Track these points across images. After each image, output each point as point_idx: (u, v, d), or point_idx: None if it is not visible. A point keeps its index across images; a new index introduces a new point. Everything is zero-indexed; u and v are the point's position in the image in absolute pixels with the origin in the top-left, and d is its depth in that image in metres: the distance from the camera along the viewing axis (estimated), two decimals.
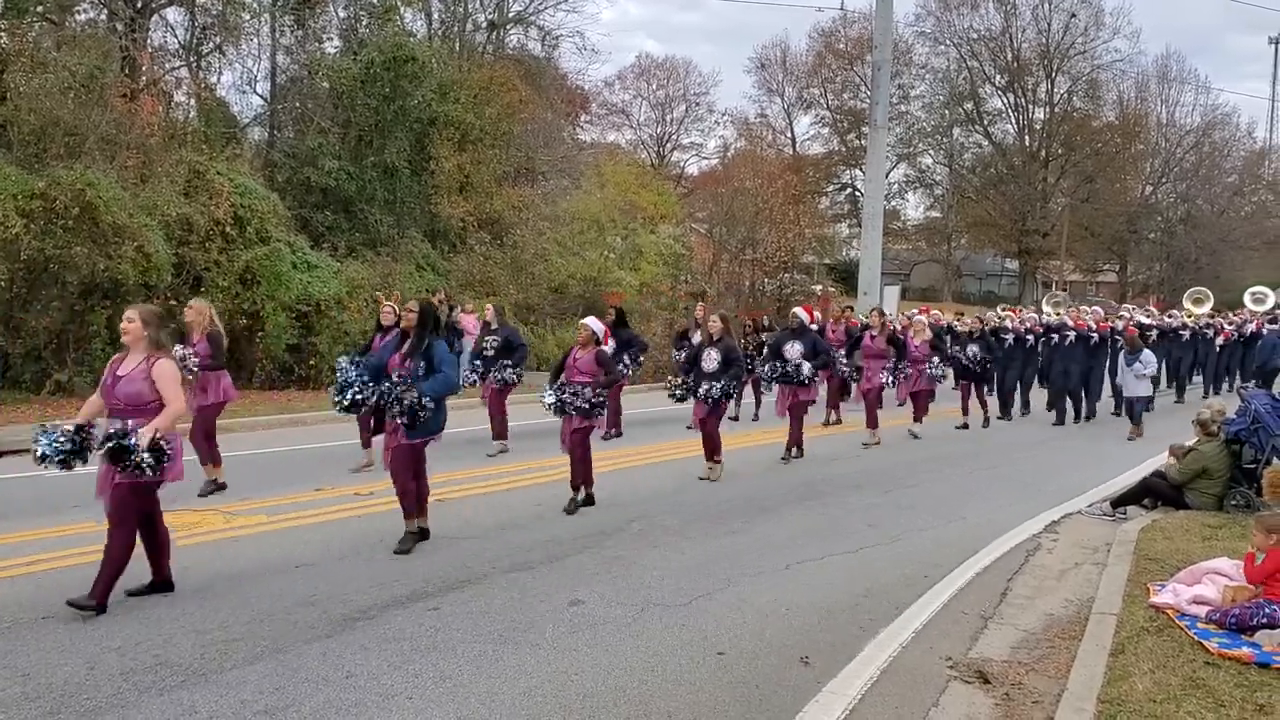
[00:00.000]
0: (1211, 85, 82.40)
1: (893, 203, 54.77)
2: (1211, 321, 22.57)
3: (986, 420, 16.23)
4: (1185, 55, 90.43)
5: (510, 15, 31.80)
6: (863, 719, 4.93)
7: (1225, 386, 22.42)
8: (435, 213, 23.88)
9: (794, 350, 12.15)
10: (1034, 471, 12.37)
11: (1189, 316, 22.35)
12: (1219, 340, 22.14)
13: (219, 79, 25.67)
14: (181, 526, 8.26)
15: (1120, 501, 9.81)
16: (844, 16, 51.30)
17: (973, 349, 15.98)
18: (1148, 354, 15.17)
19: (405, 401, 7.31)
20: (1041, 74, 53.67)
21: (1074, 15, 51.55)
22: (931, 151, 58.36)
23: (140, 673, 5.14)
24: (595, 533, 8.39)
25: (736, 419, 15.48)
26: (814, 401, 12.67)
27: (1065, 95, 54.26)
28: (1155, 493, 9.84)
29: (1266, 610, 5.75)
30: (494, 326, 12.76)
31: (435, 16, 29.31)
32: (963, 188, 56.92)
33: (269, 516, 8.61)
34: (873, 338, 14.28)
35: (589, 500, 9.34)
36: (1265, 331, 21.23)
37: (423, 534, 7.79)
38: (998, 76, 54.87)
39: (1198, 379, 22.33)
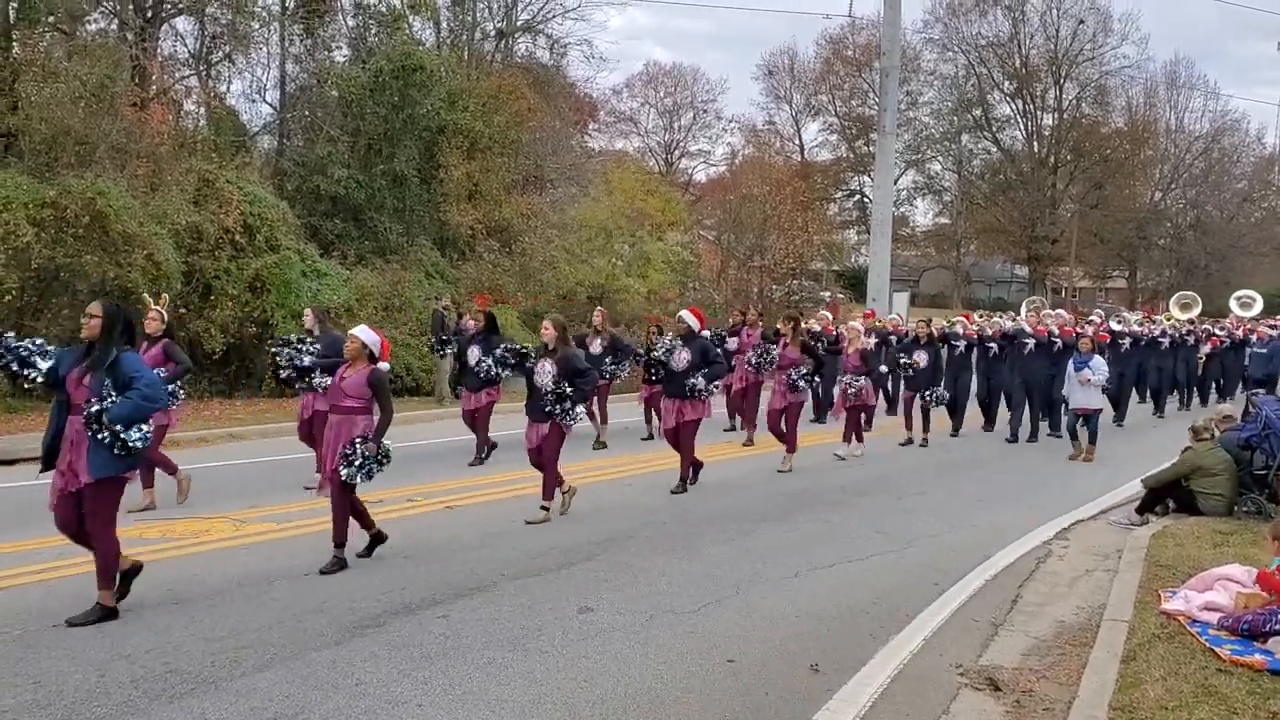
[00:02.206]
0: (1220, 91, 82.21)
1: (901, 209, 54.69)
2: (1193, 328, 21.27)
3: (915, 439, 14.56)
4: (1194, 61, 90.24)
5: (519, 24, 31.86)
6: None
7: (1214, 397, 21.25)
8: (444, 220, 23.93)
9: (681, 359, 10.40)
10: (1041, 477, 12.34)
11: (1167, 320, 21.09)
12: (1205, 348, 20.91)
13: (228, 88, 25.75)
14: (190, 534, 8.30)
15: (1144, 507, 9.78)
16: (852, 23, 51.16)
17: (920, 355, 14.45)
18: (1098, 360, 13.63)
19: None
20: (1050, 80, 53.60)
21: (1082, 21, 51.49)
22: (940, 158, 58.25)
23: (150, 680, 5.15)
24: (604, 540, 8.38)
25: (650, 437, 13.98)
26: (701, 420, 10.58)
27: (1074, 101, 54.17)
28: (1169, 494, 9.81)
29: (1279, 616, 5.72)
30: (315, 333, 10.37)
31: (444, 25, 29.36)
32: (971, 194, 56.83)
33: (278, 524, 8.62)
34: (785, 346, 12.42)
35: (339, 564, 7.29)
36: (1270, 337, 20.22)
37: (107, 613, 6.04)
38: (1006, 83, 54.81)
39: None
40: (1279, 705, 4.84)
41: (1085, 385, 13.38)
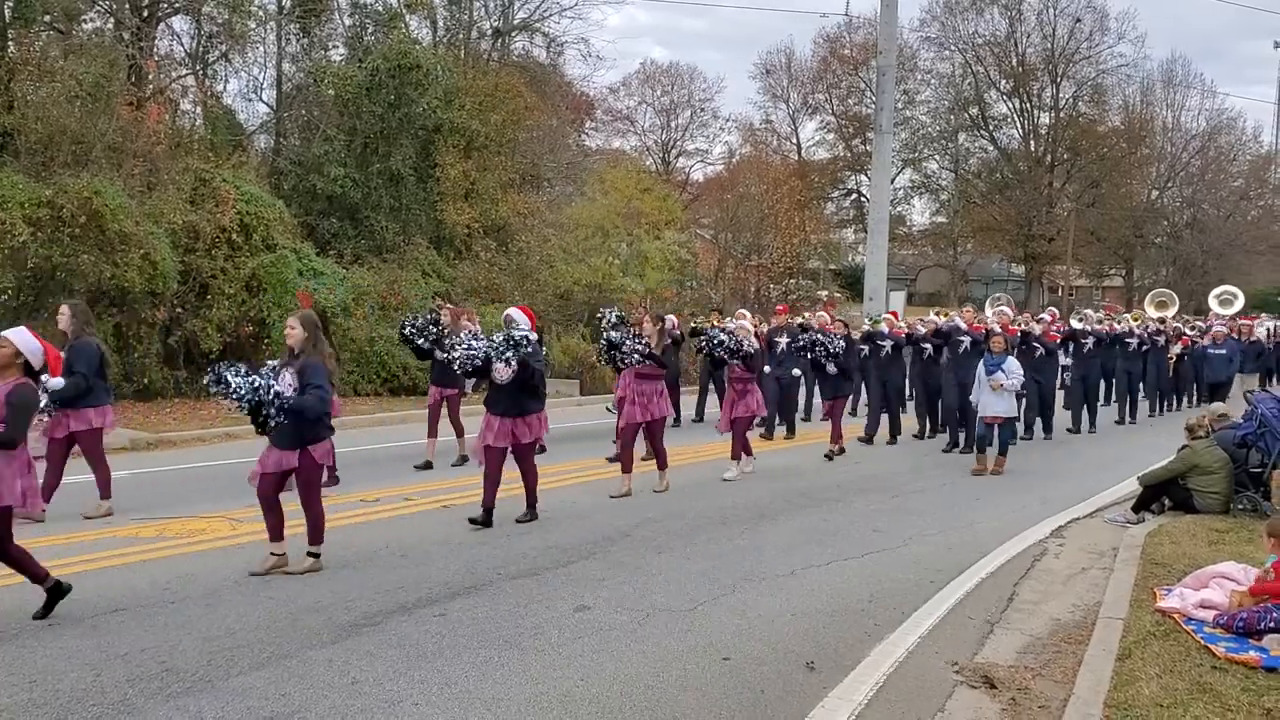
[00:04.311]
0: (1217, 90, 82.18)
1: (898, 208, 54.62)
2: (1162, 327, 19.96)
3: (840, 449, 13.29)
4: (1191, 60, 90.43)
5: (515, 22, 31.82)
6: None
7: (1187, 402, 20.13)
8: (441, 219, 23.91)
9: (503, 372, 8.56)
10: (1039, 476, 12.34)
11: (1134, 319, 19.73)
12: (1176, 348, 19.49)
13: (225, 87, 25.77)
14: (187, 533, 8.30)
15: (1140, 505, 9.78)
16: (849, 22, 51.26)
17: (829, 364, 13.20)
18: (1012, 363, 12.30)
19: None
20: (1046, 79, 53.53)
21: (1079, 20, 51.43)
22: (937, 157, 58.16)
23: (146, 679, 5.15)
24: (600, 539, 8.39)
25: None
26: (537, 441, 9.11)
27: (1070, 100, 54.11)
28: (1165, 492, 9.81)
29: (1274, 614, 5.73)
30: (68, 336, 8.87)
31: (440, 24, 29.33)
32: (968, 193, 56.77)
33: None
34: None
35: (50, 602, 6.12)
36: (1226, 337, 18.60)
37: None
38: (1003, 82, 54.71)
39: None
40: (1273, 702, 4.86)
41: (998, 391, 12.05)
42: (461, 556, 7.70)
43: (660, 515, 9.35)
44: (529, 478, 9.03)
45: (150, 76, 20.68)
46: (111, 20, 21.48)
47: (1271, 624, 5.68)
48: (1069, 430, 16.28)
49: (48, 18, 19.80)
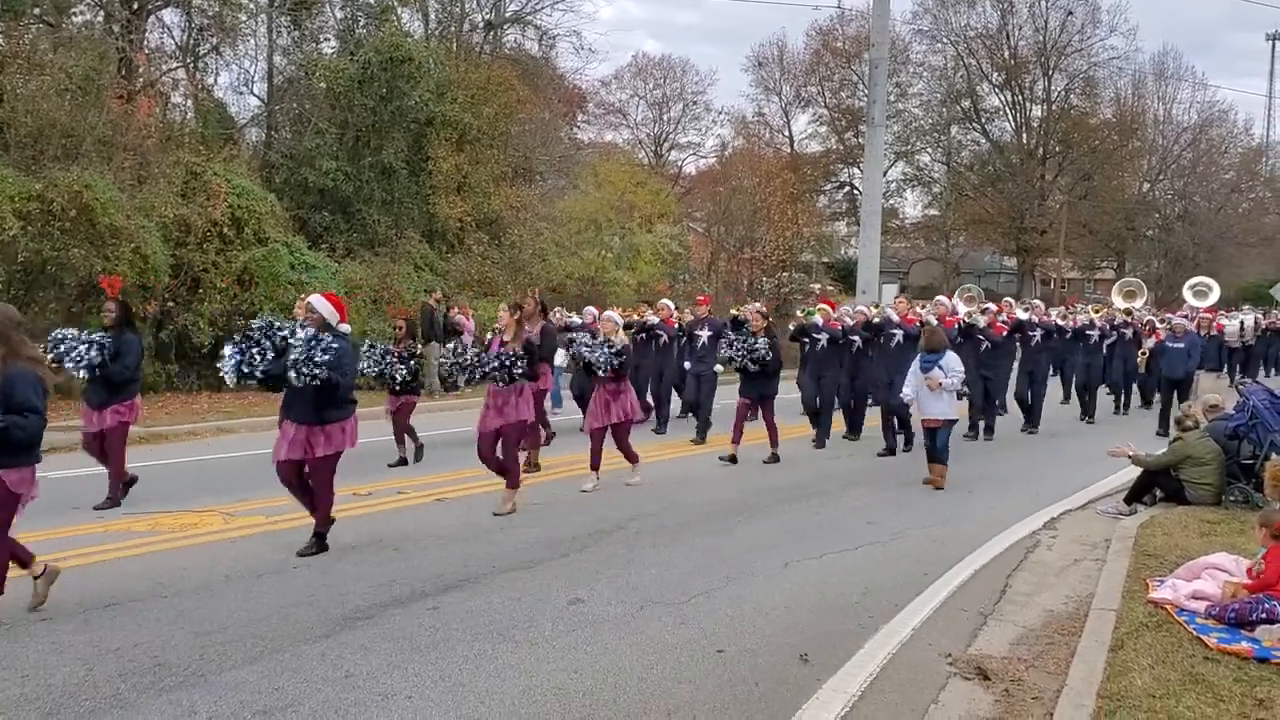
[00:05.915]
0: (1208, 82, 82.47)
1: (891, 201, 54.58)
2: (1129, 319, 18.89)
3: (774, 456, 12.20)
4: (1182, 52, 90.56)
5: (507, 15, 31.75)
6: (862, 716, 4.93)
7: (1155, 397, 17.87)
8: (433, 213, 23.87)
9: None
10: (1030, 469, 12.37)
11: (1095, 311, 18.67)
12: (1150, 342, 17.93)
13: (216, 80, 25.73)
14: (180, 527, 8.28)
15: (1132, 497, 9.80)
16: (841, 14, 51.18)
17: (762, 348, 11.99)
18: (952, 358, 10.95)
19: None
20: (1038, 71, 53.58)
21: (1071, 13, 51.46)
22: (929, 149, 58.14)
23: (139, 674, 5.13)
24: (594, 532, 8.38)
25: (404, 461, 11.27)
26: (338, 454, 7.65)
27: (1062, 93, 54.18)
28: (1157, 483, 9.84)
29: (1266, 605, 5.76)
30: None
31: (432, 17, 29.25)
32: (961, 185, 56.80)
33: (267, 517, 8.61)
34: (503, 343, 9.28)
35: None
36: (1186, 330, 16.78)
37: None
38: (995, 74, 54.74)
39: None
40: (1265, 692, 4.88)
41: (936, 391, 10.78)
42: (454, 550, 7.70)
43: (653, 509, 9.35)
44: (322, 496, 7.64)
45: (140, 70, 20.62)
46: (101, 13, 21.39)
47: (1263, 615, 5.71)
48: (1023, 429, 15.59)
49: (37, 10, 19.71)
